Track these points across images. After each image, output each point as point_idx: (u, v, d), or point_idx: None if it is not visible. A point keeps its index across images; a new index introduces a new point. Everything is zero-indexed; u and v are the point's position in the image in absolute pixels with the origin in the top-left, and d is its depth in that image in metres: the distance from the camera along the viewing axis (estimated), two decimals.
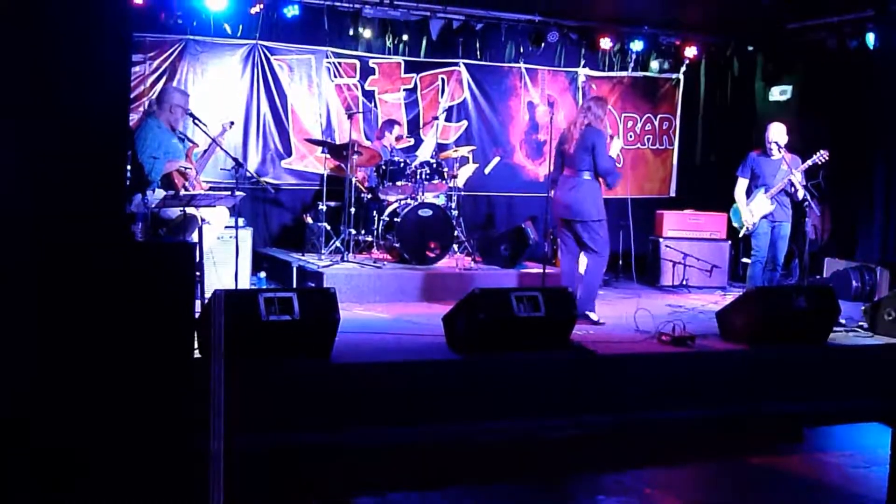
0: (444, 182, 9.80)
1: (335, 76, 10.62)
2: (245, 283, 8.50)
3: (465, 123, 11.35)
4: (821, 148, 8.93)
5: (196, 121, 7.81)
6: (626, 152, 12.35)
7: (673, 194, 12.59)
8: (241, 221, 8.56)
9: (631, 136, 12.36)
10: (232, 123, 8.36)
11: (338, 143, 10.22)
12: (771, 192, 8.89)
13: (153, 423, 4.07)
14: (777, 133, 8.96)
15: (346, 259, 9.14)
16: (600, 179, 7.95)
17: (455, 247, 9.95)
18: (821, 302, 7.28)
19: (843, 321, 7.93)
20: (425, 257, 9.35)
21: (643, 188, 12.52)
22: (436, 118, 10.75)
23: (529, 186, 11.55)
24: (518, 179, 11.53)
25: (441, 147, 10.78)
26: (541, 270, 8.52)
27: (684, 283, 10.62)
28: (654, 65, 12.09)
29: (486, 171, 10.90)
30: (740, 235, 9.28)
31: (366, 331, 7.10)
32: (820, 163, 8.82)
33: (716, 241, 10.91)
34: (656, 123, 12.47)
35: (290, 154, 10.48)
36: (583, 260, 8.14)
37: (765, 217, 8.97)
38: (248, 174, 9.76)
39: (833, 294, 7.42)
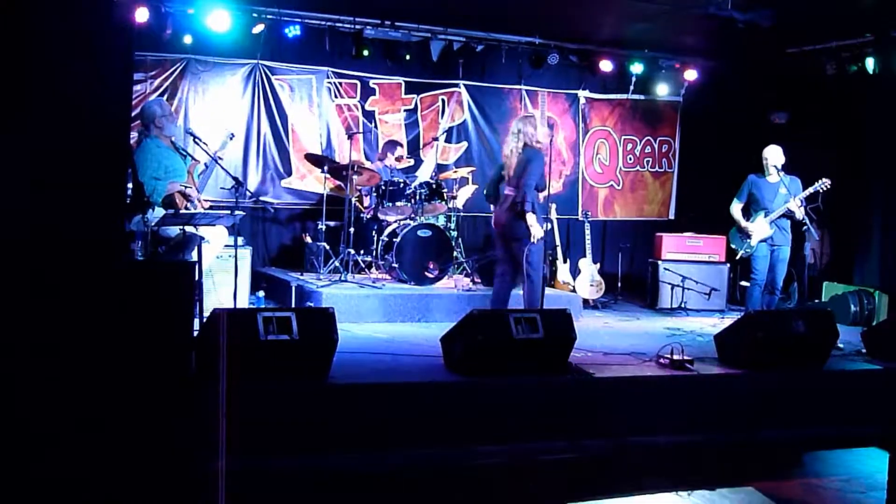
0: (443, 203, 9.81)
1: (336, 96, 10.65)
2: (244, 302, 8.48)
3: (465, 144, 11.38)
4: (818, 171, 8.94)
5: (196, 139, 7.81)
6: (625, 175, 12.38)
7: (672, 217, 12.60)
8: (240, 240, 8.56)
9: (630, 159, 12.39)
10: (232, 136, 8.37)
11: (338, 162, 10.24)
12: (771, 217, 8.90)
13: (151, 445, 4.06)
14: (774, 155, 8.98)
15: (344, 279, 9.14)
16: (540, 197, 7.87)
17: (454, 267, 9.95)
18: (819, 326, 7.28)
19: (841, 346, 7.92)
20: (424, 278, 9.34)
21: (642, 210, 12.53)
22: (436, 139, 10.77)
23: None
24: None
25: (441, 168, 10.80)
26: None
27: (683, 305, 10.61)
28: (654, 88, 12.12)
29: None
30: (738, 258, 9.28)
31: (364, 351, 7.09)
32: (822, 189, 8.83)
33: (714, 264, 10.91)
34: (656, 146, 12.50)
35: (290, 173, 10.49)
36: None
37: (764, 241, 8.98)
38: (248, 193, 9.77)
39: (832, 318, 7.41)
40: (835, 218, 10.76)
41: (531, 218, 7.65)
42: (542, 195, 7.84)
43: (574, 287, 10.61)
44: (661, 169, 12.57)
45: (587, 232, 10.91)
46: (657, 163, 12.54)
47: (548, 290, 9.25)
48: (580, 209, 11.92)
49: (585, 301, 10.44)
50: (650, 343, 7.82)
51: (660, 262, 10.85)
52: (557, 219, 11.12)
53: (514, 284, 8.09)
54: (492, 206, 8.24)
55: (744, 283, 10.36)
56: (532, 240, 7.68)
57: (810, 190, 8.84)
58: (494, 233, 8.09)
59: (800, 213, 8.81)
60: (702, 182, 12.31)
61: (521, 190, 7.66)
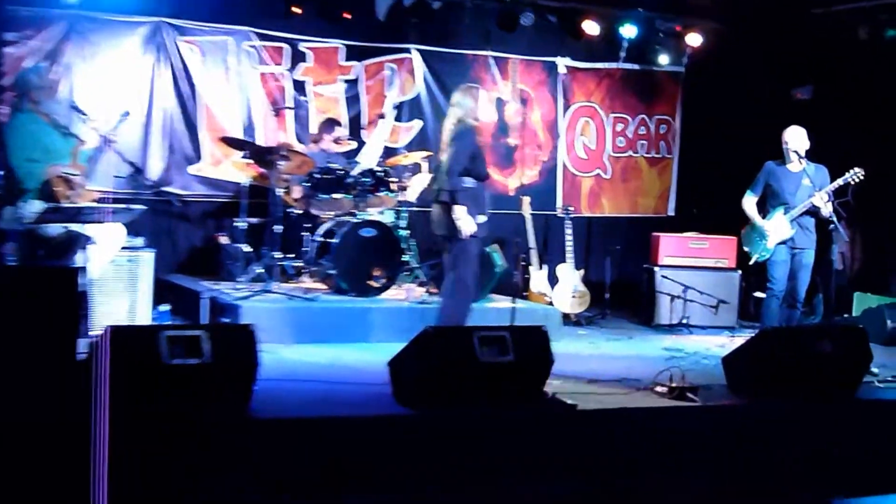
0: (391, 195, 9.81)
1: (258, 63, 10.62)
2: (144, 318, 8.43)
3: (418, 123, 11.39)
4: (849, 158, 9.02)
5: (81, 115, 7.74)
6: (614, 161, 12.45)
7: (671, 213, 12.70)
8: (139, 241, 8.50)
9: (621, 142, 12.47)
10: (127, 114, 8.27)
11: (261, 144, 10.20)
12: (792, 214, 8.98)
13: (26, 492, 4.01)
14: (796, 139, 9.05)
15: (269, 289, 9.11)
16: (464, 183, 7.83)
17: (405, 275, 9.95)
18: (849, 346, 7.36)
19: (875, 370, 7.98)
20: (368, 288, 9.34)
21: (636, 205, 12.62)
22: (382, 116, 10.78)
23: (497, 202, 11.49)
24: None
25: (388, 152, 10.80)
26: (510, 304, 8.53)
27: (684, 321, 10.68)
28: (651, 55, 12.20)
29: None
30: (751, 263, 9.35)
31: (293, 378, 7.07)
32: (854, 182, 8.92)
33: (723, 270, 11.00)
34: (652, 126, 12.59)
35: (201, 158, 10.45)
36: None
37: (783, 243, 9.06)
38: (149, 182, 9.70)
39: (864, 336, 7.49)
40: (868, 215, 10.89)
41: (459, 210, 7.66)
42: (464, 182, 7.75)
43: (552, 299, 10.65)
44: (659, 154, 12.66)
45: (568, 231, 10.95)
46: (654, 147, 12.63)
47: (520, 304, 9.28)
48: (559, 203, 11.97)
49: (566, 316, 10.49)
50: (645, 367, 7.85)
51: (657, 269, 10.91)
52: (532, 215, 11.16)
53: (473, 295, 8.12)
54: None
55: (759, 295, 10.45)
56: (460, 236, 7.71)
57: (839, 182, 8.92)
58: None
59: (826, 210, 8.87)
60: (708, 171, 12.40)
61: (445, 173, 7.73)
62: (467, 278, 7.83)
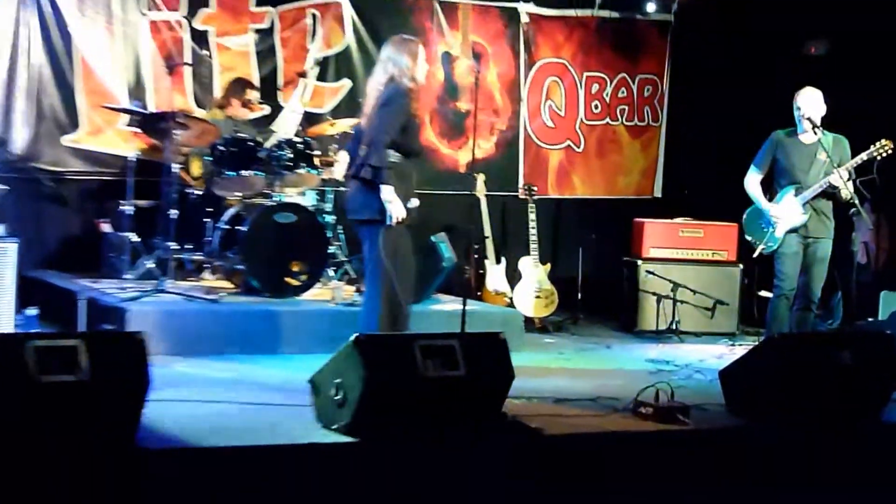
0: (314, 172, 9.78)
1: (148, 8, 10.53)
2: (7, 324, 8.34)
3: (346, 84, 11.37)
4: (875, 128, 9.08)
5: None
6: (589, 131, 12.49)
7: (658, 194, 12.78)
8: (0, 229, 8.41)
9: (597, 107, 12.51)
10: None
11: (153, 110, 10.13)
12: (805, 196, 9.03)
13: None
14: (811, 104, 9.09)
15: (163, 288, 9.07)
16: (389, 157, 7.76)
17: (331, 271, 9.93)
18: (874, 356, 7.41)
19: None
20: (285, 286, 9.32)
21: (615, 185, 12.68)
22: (302, 75, 10.74)
23: (444, 180, 11.60)
24: (429, 169, 11.51)
25: (311, 119, 10.79)
26: (460, 306, 8.52)
27: (674, 327, 10.74)
28: (634, 1, 12.23)
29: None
30: (756, 256, 9.39)
31: (193, 398, 7.03)
32: (880, 156, 8.99)
33: (722, 265, 11.08)
34: (635, 88, 12.65)
35: (77, 127, 10.35)
36: None
37: (794, 230, 9.12)
38: (12, 156, 9.62)
39: (893, 344, 7.56)
40: None
41: (386, 191, 7.61)
42: (391, 158, 7.68)
43: (512, 300, 10.66)
44: (644, 122, 12.72)
45: (532, 217, 10.98)
46: (637, 113, 12.68)
47: (472, 305, 9.28)
48: (521, 182, 11.99)
49: (529, 321, 10.55)
50: (625, 383, 7.91)
51: (640, 263, 10.97)
52: (487, 196, 11.17)
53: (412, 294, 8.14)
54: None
55: (764, 294, 10.53)
56: (388, 221, 7.67)
57: (863, 156, 8.98)
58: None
59: (847, 191, 8.93)
60: (703, 143, 12.49)
61: (367, 148, 7.69)
62: (393, 274, 7.78)
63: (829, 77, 10.20)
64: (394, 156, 7.66)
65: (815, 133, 9.07)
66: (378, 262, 7.74)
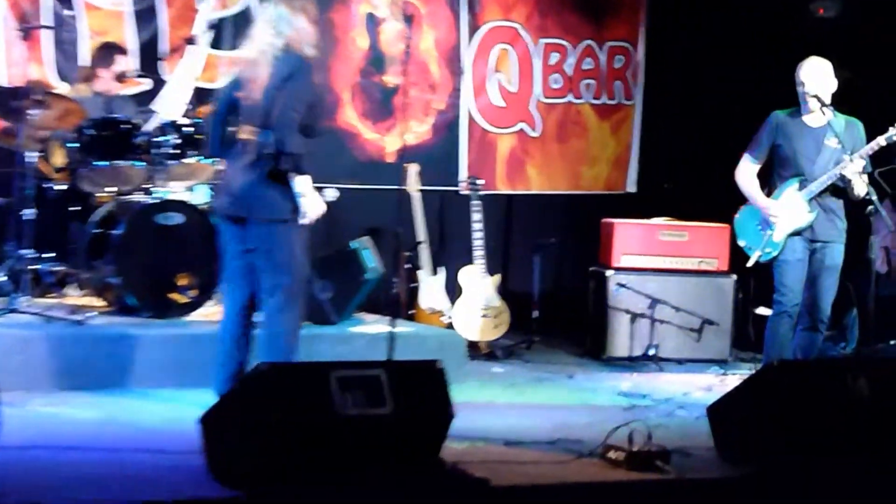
0: (206, 162, 9.71)
1: None
2: None
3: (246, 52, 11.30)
4: (891, 108, 9.12)
5: None
6: (547, 111, 12.51)
7: (632, 189, 12.80)
8: None
9: (557, 82, 12.54)
10: None
11: (2, 85, 10.06)
12: (812, 191, 9.05)
13: None
14: (817, 77, 9.08)
15: (15, 307, 8.98)
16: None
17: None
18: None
19: None
20: (169, 304, 9.29)
21: (578, 177, 12.71)
22: (191, 41, 10.68)
23: (368, 171, 11.60)
24: (348, 157, 11.59)
25: (202, 96, 10.75)
26: (387, 328, 8.49)
27: (652, 352, 10.76)
28: None
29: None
30: (751, 264, 9.40)
31: (52, 445, 6.94)
32: None
33: (711, 275, 11.09)
34: (603, 59, 12.68)
35: None
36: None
37: (798, 233, 9.13)
38: None
39: None
40: None
41: (303, 183, 7.64)
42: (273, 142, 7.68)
43: (452, 319, 10.65)
44: (614, 101, 12.76)
45: (477, 217, 10.96)
46: (606, 89, 12.72)
47: (402, 326, 9.24)
48: (464, 175, 11.99)
49: (474, 345, 10.59)
50: (592, 422, 7.91)
51: (610, 273, 10.96)
52: (422, 192, 11.17)
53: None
54: (217, 164, 8.21)
55: (762, 311, 10.56)
56: (301, 220, 7.71)
57: (881, 141, 8.99)
58: (220, 215, 8.06)
59: (861, 185, 8.95)
60: (687, 125, 12.53)
61: (279, 132, 7.65)
62: (303, 283, 7.87)
63: (841, 46, 10.25)
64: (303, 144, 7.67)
65: (824, 114, 9.07)
66: (292, 270, 7.75)
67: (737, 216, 9.51)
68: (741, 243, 9.47)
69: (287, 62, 7.68)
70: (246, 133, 7.75)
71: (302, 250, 7.79)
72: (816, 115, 9.08)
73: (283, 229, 7.72)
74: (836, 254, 9.14)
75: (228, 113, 7.95)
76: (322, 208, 7.69)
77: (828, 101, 9.02)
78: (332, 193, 7.84)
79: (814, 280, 9.15)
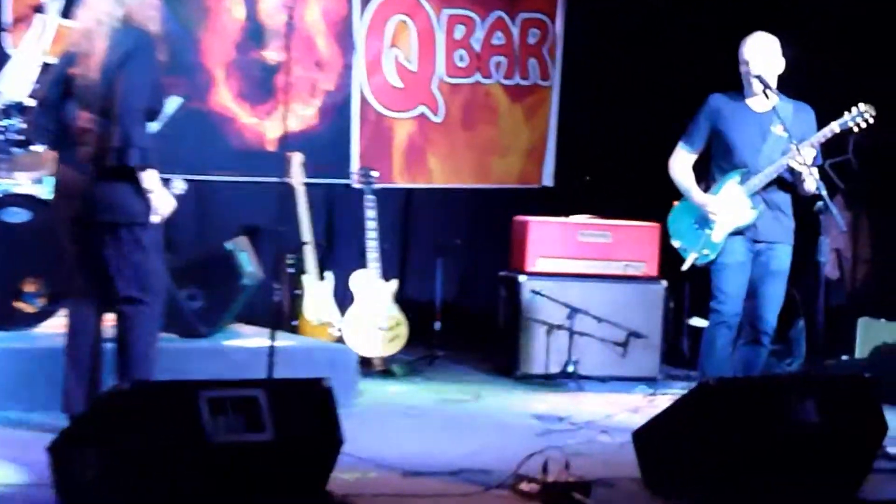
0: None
1: None
2: None
3: None
4: (851, 91, 9.23)
5: None
6: (451, 93, 12.56)
7: (549, 182, 12.87)
8: None
9: (462, 59, 12.59)
10: None
11: None
12: (754, 185, 9.14)
13: None
14: (761, 55, 9.18)
15: None
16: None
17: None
18: (849, 409, 7.54)
19: (892, 450, 8.21)
20: (14, 313, 9.25)
21: (487, 169, 12.77)
22: (39, 9, 10.65)
23: (245, 161, 11.60)
24: (222, 145, 11.59)
25: None
26: (267, 341, 8.54)
27: (571, 369, 10.83)
28: None
29: (154, 126, 10.92)
30: (685, 267, 9.48)
31: None
32: (858, 128, 9.09)
33: (638, 281, 11.19)
34: (516, 33, 12.75)
35: None
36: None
37: (740, 233, 9.24)
38: None
39: (874, 392, 7.69)
40: (884, 192, 11.17)
41: (151, 178, 7.64)
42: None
43: (342, 332, 10.68)
44: (528, 81, 12.83)
45: (371, 215, 11.00)
46: (519, 68, 12.78)
47: (285, 340, 9.28)
48: (355, 166, 12.02)
49: (366, 361, 10.63)
50: (502, 449, 7.97)
51: (524, 279, 11.03)
52: (307, 185, 11.19)
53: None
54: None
55: (697, 323, 10.67)
56: (152, 219, 7.71)
57: (834, 127, 9.03)
58: (56, 215, 8.06)
59: (811, 179, 9.01)
60: (612, 110, 12.59)
61: (122, 119, 7.63)
62: (163, 289, 7.88)
63: (791, 19, 10.36)
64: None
65: (768, 97, 9.13)
66: (145, 277, 7.74)
67: (670, 213, 9.60)
68: (675, 244, 9.55)
69: (127, 37, 7.64)
70: (83, 121, 7.73)
71: (157, 254, 7.79)
72: (761, 99, 9.16)
73: (131, 232, 7.70)
74: (782, 257, 9.25)
75: (62, 95, 7.89)
76: (172, 205, 7.70)
77: (773, 82, 9.11)
78: (179, 186, 7.83)
79: (757, 286, 9.24)
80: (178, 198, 7.85)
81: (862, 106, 8.96)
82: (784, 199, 9.25)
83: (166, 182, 7.79)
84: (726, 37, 9.51)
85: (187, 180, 7.86)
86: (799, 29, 9.93)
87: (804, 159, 8.95)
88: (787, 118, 9.04)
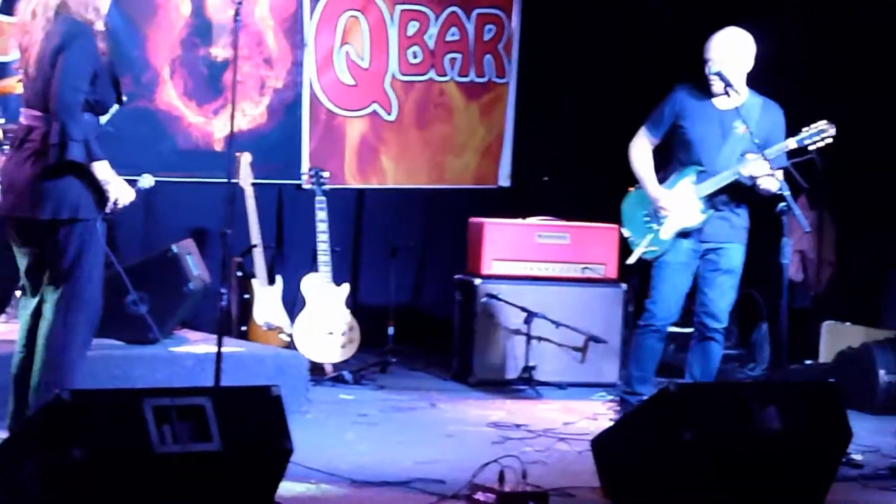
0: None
1: None
2: None
3: None
4: (819, 103, 9.21)
5: None
6: (405, 91, 12.53)
7: (505, 183, 12.86)
8: None
9: (416, 56, 12.56)
10: None
11: None
12: (706, 187, 9.11)
13: None
14: (727, 52, 9.16)
15: None
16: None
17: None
18: (813, 416, 7.52)
19: (858, 457, 8.23)
20: None
21: (442, 169, 12.75)
22: None
23: (191, 161, 11.56)
24: (167, 144, 11.56)
25: None
26: (214, 348, 8.48)
27: (528, 375, 10.80)
28: None
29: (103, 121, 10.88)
30: (632, 261, 9.44)
31: None
32: (813, 146, 9.00)
33: (598, 284, 11.17)
34: (471, 28, 12.73)
35: None
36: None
37: (687, 234, 9.24)
38: None
39: (839, 398, 7.68)
40: (848, 192, 11.17)
41: (105, 168, 7.56)
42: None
43: (291, 337, 10.64)
44: (484, 78, 12.82)
45: (322, 216, 10.96)
46: (475, 66, 12.77)
47: (232, 345, 9.24)
48: (306, 166, 11.99)
49: (317, 368, 10.62)
50: (457, 458, 7.98)
51: (479, 282, 11.00)
52: (255, 186, 11.15)
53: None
54: None
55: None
56: (110, 209, 7.63)
57: (790, 143, 9.03)
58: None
59: (771, 181, 8.93)
60: (569, 109, 12.59)
61: (58, 115, 7.52)
62: (100, 292, 7.74)
63: (758, 15, 10.35)
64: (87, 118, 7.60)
65: (734, 95, 9.08)
66: (79, 277, 7.62)
67: (625, 199, 9.61)
68: (625, 233, 9.62)
69: (62, 27, 7.54)
70: (24, 117, 7.66)
71: (96, 253, 7.66)
72: (722, 97, 9.14)
73: (68, 229, 7.60)
74: (733, 255, 9.27)
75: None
76: (131, 195, 7.62)
77: (739, 80, 9.09)
78: (147, 181, 7.76)
79: (706, 283, 9.30)
80: (144, 193, 7.79)
81: (822, 124, 8.91)
82: (737, 199, 9.25)
83: (133, 182, 7.72)
84: (687, 33, 9.49)
85: (129, 181, 7.75)
86: (776, 23, 9.89)
87: (756, 170, 8.91)
88: (753, 117, 9.04)
